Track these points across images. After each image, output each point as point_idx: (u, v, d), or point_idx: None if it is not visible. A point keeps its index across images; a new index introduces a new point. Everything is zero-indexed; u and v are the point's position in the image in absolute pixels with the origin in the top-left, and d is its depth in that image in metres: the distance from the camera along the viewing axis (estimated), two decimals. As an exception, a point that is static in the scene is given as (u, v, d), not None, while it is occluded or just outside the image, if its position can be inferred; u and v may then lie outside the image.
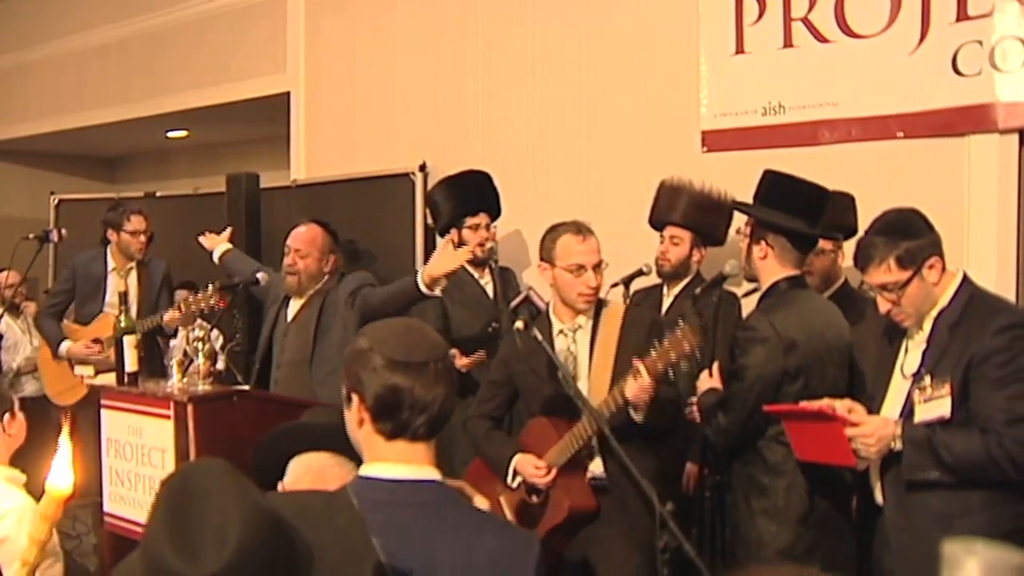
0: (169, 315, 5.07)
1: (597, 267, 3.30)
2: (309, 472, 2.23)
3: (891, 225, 2.86)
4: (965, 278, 2.86)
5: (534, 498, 3.35)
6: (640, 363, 3.03)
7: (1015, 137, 4.09)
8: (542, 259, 3.37)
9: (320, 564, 1.43)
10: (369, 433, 1.73)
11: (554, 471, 3.28)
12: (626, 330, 3.33)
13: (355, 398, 1.73)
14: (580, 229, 3.31)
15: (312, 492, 1.91)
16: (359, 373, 1.71)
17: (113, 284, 5.67)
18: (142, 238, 5.67)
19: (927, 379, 2.80)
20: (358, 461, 1.85)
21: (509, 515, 3.38)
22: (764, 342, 3.17)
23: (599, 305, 3.39)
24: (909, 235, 2.81)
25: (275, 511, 1.42)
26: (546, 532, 3.31)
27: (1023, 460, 2.62)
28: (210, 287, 4.57)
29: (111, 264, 5.72)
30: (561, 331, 3.39)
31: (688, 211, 4.25)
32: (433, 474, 1.75)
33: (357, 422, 1.74)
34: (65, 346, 5.67)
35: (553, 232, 3.36)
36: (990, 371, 2.68)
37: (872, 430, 2.80)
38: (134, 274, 5.73)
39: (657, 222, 4.38)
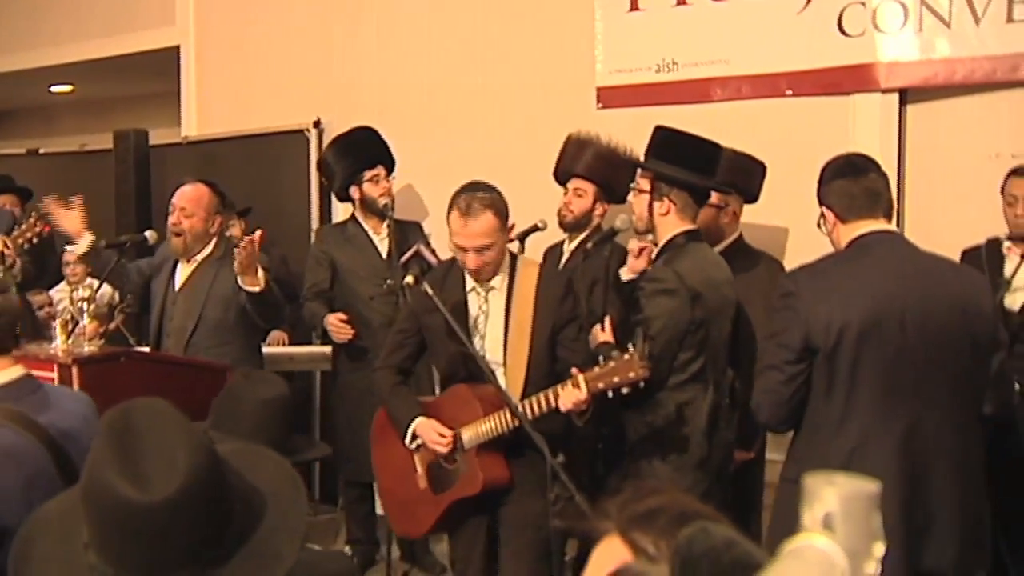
0: None
1: (480, 251, 3.15)
2: None
3: None
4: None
5: (447, 463, 3.31)
6: (580, 375, 2.96)
7: (895, 96, 4.23)
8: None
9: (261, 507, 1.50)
10: None
11: (452, 439, 3.25)
12: (542, 289, 3.27)
13: None
14: (469, 208, 3.11)
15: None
16: None
17: None
18: None
19: None
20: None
21: (421, 472, 3.36)
22: (672, 293, 3.20)
23: (513, 262, 3.33)
24: None
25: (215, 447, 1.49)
26: (457, 500, 3.30)
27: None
28: (32, 216, 4.45)
29: None
30: (474, 289, 3.31)
31: (593, 164, 4.26)
32: None
33: None
34: None
35: (454, 199, 3.18)
36: None
37: None
38: None
39: (562, 174, 4.37)
